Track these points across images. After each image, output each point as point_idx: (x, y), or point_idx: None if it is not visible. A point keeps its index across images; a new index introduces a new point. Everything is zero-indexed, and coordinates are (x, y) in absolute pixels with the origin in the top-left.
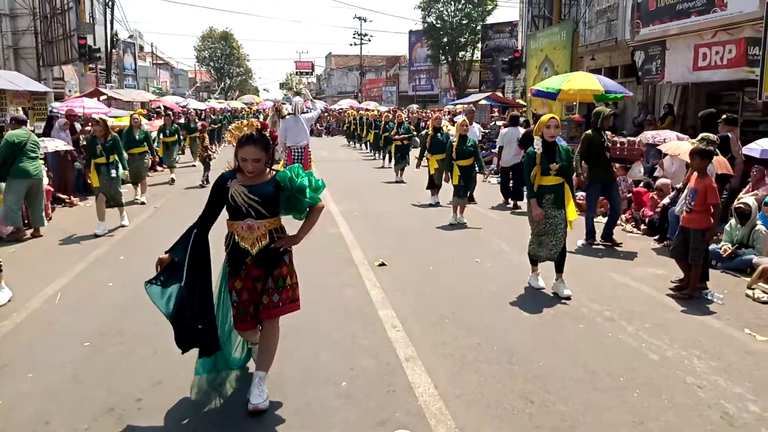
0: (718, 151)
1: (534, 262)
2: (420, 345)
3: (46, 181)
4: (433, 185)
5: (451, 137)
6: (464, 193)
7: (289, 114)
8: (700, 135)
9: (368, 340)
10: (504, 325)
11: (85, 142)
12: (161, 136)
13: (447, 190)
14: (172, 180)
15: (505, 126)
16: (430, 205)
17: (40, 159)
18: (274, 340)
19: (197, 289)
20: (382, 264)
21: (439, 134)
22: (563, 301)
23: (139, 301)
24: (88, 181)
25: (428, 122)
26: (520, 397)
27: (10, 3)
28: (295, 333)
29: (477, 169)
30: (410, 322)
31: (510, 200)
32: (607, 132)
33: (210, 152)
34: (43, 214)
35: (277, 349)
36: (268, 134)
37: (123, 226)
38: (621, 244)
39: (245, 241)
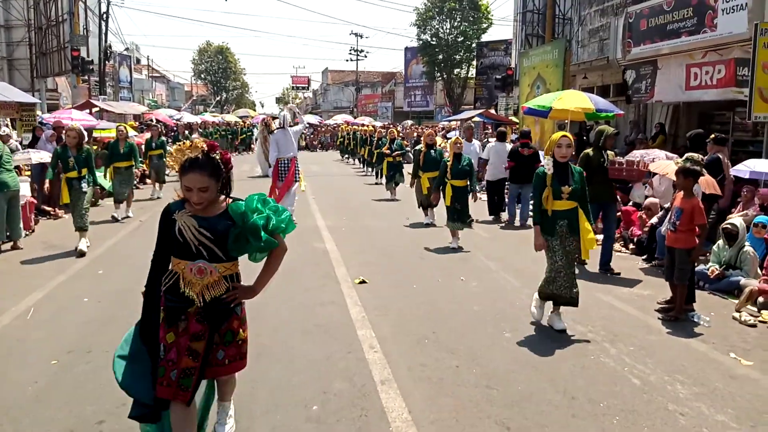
0: (705, 171)
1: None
2: (397, 367)
3: (28, 193)
4: (429, 204)
5: (445, 155)
6: (458, 218)
7: (277, 128)
8: (686, 155)
9: (344, 361)
10: (484, 347)
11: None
12: (147, 149)
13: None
14: (158, 197)
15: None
16: (427, 225)
17: (27, 171)
18: (232, 381)
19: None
20: (363, 281)
21: (432, 151)
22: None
23: (113, 318)
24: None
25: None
26: (496, 423)
27: (5, 14)
28: (269, 353)
29: (469, 190)
30: (389, 342)
31: (495, 216)
32: (608, 152)
33: None
34: (21, 225)
35: (243, 372)
36: (219, 156)
37: (79, 250)
38: (619, 273)
39: (192, 288)
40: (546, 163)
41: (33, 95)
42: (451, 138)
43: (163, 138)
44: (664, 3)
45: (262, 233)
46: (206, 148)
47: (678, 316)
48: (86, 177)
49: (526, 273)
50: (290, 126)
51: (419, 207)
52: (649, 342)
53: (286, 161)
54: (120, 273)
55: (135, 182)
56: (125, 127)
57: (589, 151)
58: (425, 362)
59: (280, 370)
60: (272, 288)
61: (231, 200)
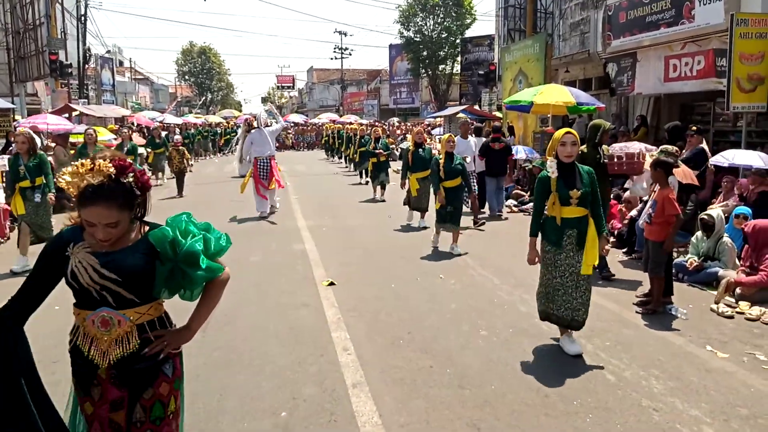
0: (680, 162)
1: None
2: (370, 369)
3: (2, 200)
4: (418, 207)
5: (435, 153)
6: (451, 219)
7: (255, 127)
8: (660, 147)
9: (316, 365)
10: (459, 346)
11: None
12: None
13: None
14: None
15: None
16: (422, 229)
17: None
18: None
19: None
20: (331, 283)
21: (421, 150)
22: (523, 319)
23: None
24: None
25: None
26: (467, 425)
27: None
28: (238, 359)
29: (466, 190)
30: (363, 344)
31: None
32: (603, 147)
33: (187, 164)
34: None
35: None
36: (133, 179)
37: None
38: (614, 275)
39: (95, 347)
40: (549, 165)
41: (12, 100)
42: (440, 136)
43: (134, 143)
44: None
45: (202, 259)
46: (115, 171)
47: (656, 309)
48: (41, 185)
49: (504, 269)
50: (266, 126)
51: (411, 209)
52: (626, 336)
53: (264, 160)
54: None
55: None
56: (95, 131)
57: (584, 147)
58: (399, 364)
59: (250, 376)
60: (246, 292)
61: (147, 227)
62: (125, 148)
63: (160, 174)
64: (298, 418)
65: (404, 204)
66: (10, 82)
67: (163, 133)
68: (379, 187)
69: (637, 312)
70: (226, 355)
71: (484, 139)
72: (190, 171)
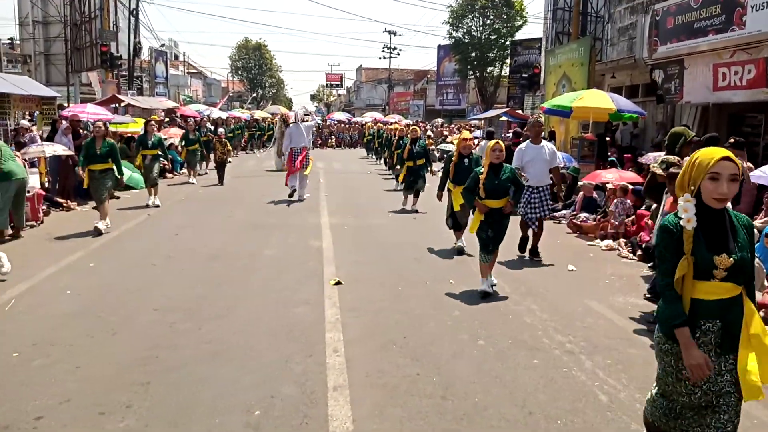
0: None
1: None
2: (355, 372)
3: (37, 184)
4: (458, 225)
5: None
6: (494, 246)
7: (293, 122)
8: (661, 158)
9: (302, 365)
10: (452, 354)
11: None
12: (139, 146)
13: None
14: (155, 205)
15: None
16: (459, 252)
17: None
18: None
19: None
20: (338, 283)
21: (466, 160)
22: (526, 330)
23: (86, 311)
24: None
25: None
26: None
27: (43, 11)
28: (225, 353)
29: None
30: (354, 346)
31: None
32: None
33: (228, 156)
34: (24, 214)
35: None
36: None
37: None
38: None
39: None
40: (682, 207)
41: (68, 89)
42: (479, 137)
43: (159, 135)
44: (692, 0)
45: None
46: None
47: None
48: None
49: (517, 277)
50: (302, 122)
51: (449, 227)
52: (629, 356)
53: (298, 150)
54: (109, 267)
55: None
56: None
57: (659, 163)
58: (385, 369)
59: (232, 371)
60: (251, 285)
61: None
62: (150, 141)
63: (192, 171)
64: (270, 418)
65: (450, 228)
66: (66, 72)
67: (207, 127)
68: (411, 196)
69: (651, 330)
70: (215, 347)
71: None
72: (230, 162)
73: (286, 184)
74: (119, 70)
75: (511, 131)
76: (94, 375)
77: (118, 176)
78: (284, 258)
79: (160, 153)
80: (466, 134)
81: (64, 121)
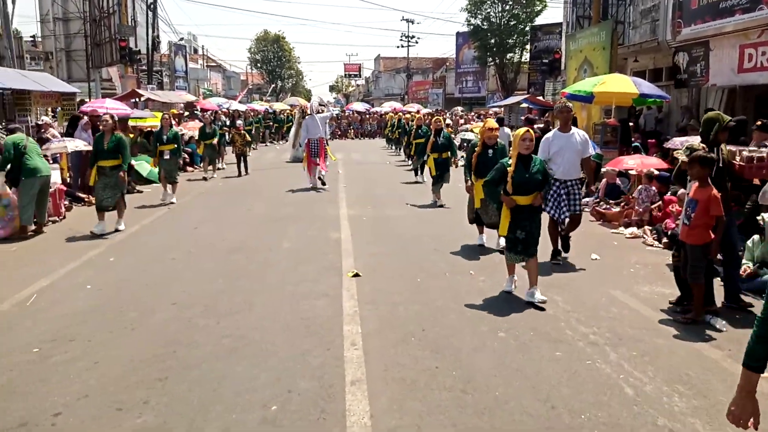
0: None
1: None
2: (373, 366)
3: (59, 180)
4: (479, 220)
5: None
6: (523, 249)
7: (309, 114)
8: (686, 144)
9: (320, 358)
10: (472, 347)
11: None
12: (156, 142)
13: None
14: (170, 203)
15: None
16: (480, 246)
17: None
18: None
19: None
20: (356, 275)
21: (490, 150)
22: (549, 322)
23: (105, 306)
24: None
25: (480, 131)
26: None
27: (64, 8)
28: (243, 349)
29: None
30: (372, 339)
31: None
32: (724, 146)
33: (248, 148)
34: (46, 211)
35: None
36: None
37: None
38: (752, 306)
39: None
40: None
41: (89, 85)
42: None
43: (175, 130)
44: None
45: None
46: None
47: (696, 318)
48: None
49: (543, 269)
50: (317, 113)
51: (471, 222)
52: (656, 347)
53: (315, 141)
54: (128, 262)
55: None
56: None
57: (684, 149)
58: (404, 362)
59: (250, 366)
60: (269, 278)
61: None
62: (165, 136)
63: (210, 167)
64: (287, 413)
65: (471, 223)
66: (87, 68)
67: (222, 120)
68: (441, 191)
69: (676, 320)
70: (232, 343)
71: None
72: (249, 155)
73: (308, 173)
74: (139, 65)
75: (523, 118)
76: (112, 371)
77: (120, 173)
78: (303, 250)
79: (176, 147)
80: (491, 123)
81: (84, 117)
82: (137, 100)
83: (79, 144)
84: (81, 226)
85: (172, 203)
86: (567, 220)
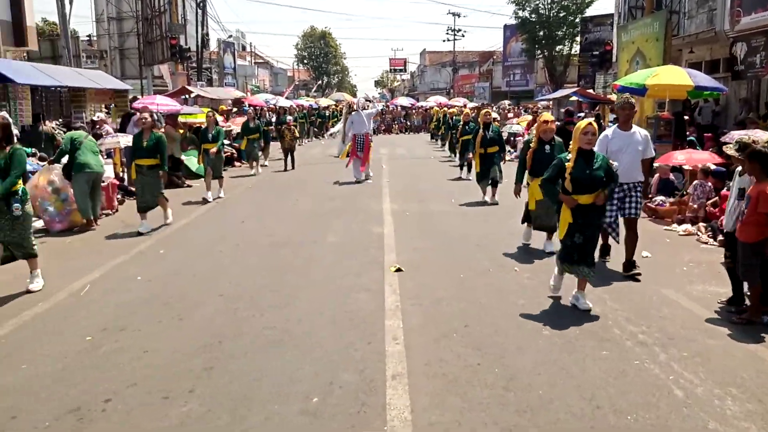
0: None
1: None
2: (414, 361)
3: (111, 174)
4: (541, 225)
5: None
6: (581, 258)
7: (354, 111)
8: (735, 139)
9: (361, 352)
10: (516, 345)
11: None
12: (202, 141)
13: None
14: (216, 198)
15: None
16: (550, 254)
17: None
18: None
19: None
20: (398, 270)
21: (547, 147)
22: (595, 320)
23: (155, 297)
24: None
25: (535, 126)
26: (501, 431)
27: (117, 7)
28: (287, 341)
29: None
30: (415, 334)
31: None
32: None
33: (295, 143)
34: (99, 206)
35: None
36: None
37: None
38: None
39: None
40: None
41: (141, 82)
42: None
43: (220, 128)
44: None
45: None
46: None
47: (752, 319)
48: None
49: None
50: (363, 109)
51: (528, 226)
52: (708, 347)
53: (361, 136)
54: (178, 254)
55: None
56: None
57: (734, 143)
58: (446, 358)
59: (293, 358)
60: (313, 272)
61: None
62: (210, 134)
63: (254, 163)
64: (328, 405)
65: (522, 222)
66: (139, 66)
67: (269, 117)
68: (489, 187)
69: (731, 321)
70: (277, 334)
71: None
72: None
73: (348, 164)
74: (188, 62)
75: (563, 110)
76: (160, 360)
77: (161, 172)
78: (346, 245)
79: (222, 144)
80: (546, 116)
81: (137, 113)
82: (187, 96)
83: (131, 140)
84: (133, 219)
85: (219, 197)
86: (620, 226)
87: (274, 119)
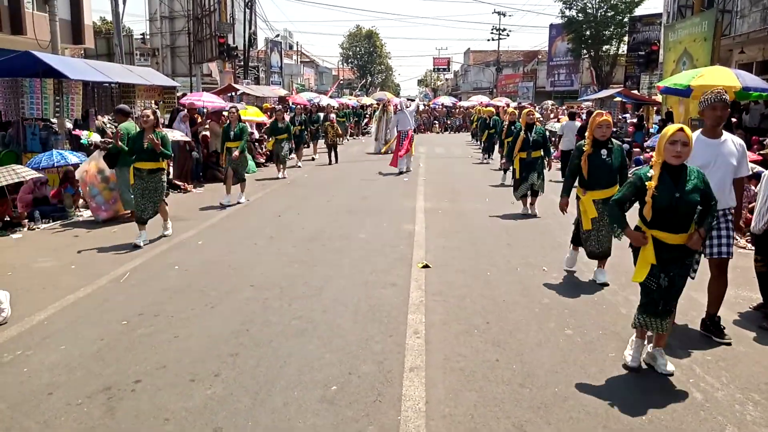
0: None
1: None
2: (433, 355)
3: None
4: (592, 250)
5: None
6: (666, 303)
7: (399, 110)
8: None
9: (382, 344)
10: (536, 342)
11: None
12: (224, 139)
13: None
14: (237, 202)
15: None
16: (603, 285)
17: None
18: None
19: None
20: (426, 266)
21: (604, 151)
22: (619, 322)
23: (190, 285)
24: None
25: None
26: (513, 426)
27: (170, 7)
28: (312, 331)
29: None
30: (436, 329)
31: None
32: None
33: (339, 139)
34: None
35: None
36: None
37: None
38: None
39: None
40: None
41: (191, 80)
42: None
43: (244, 124)
44: None
45: None
46: None
47: None
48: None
49: (619, 266)
50: (406, 108)
51: (572, 245)
52: (733, 353)
53: (404, 133)
54: (215, 245)
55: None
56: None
57: None
58: (464, 353)
59: (316, 348)
60: (343, 266)
61: None
62: (232, 132)
63: (281, 166)
64: (346, 394)
65: (572, 242)
66: (189, 63)
67: (303, 116)
68: (529, 195)
69: (761, 326)
70: (302, 324)
71: (562, 121)
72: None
73: (393, 165)
74: (236, 61)
75: (564, 107)
76: (189, 345)
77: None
78: (377, 241)
79: (245, 143)
80: (602, 115)
81: (183, 109)
82: (233, 94)
83: (177, 135)
84: (176, 211)
85: (239, 203)
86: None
87: (306, 118)
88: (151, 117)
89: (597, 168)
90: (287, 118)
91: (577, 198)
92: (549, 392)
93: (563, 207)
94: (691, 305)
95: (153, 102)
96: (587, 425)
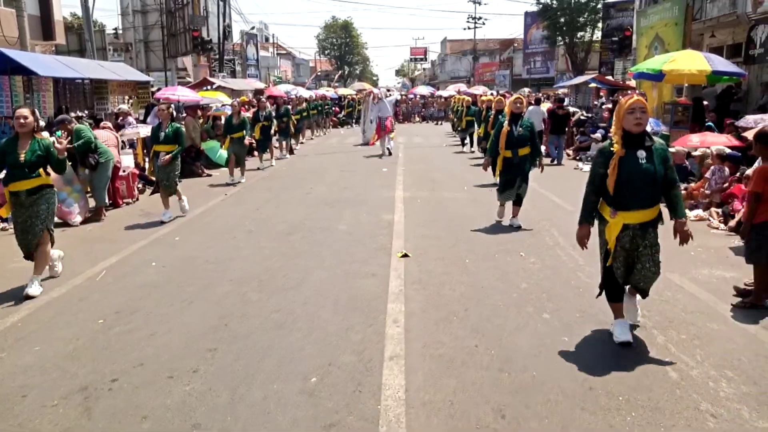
0: None
1: None
2: (412, 343)
3: (132, 164)
4: (616, 293)
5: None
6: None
7: (379, 99)
8: (750, 123)
9: (361, 334)
10: (514, 327)
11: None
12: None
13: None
14: (237, 182)
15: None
16: (623, 344)
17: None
18: None
19: None
20: (405, 255)
21: (641, 154)
22: (597, 305)
23: (168, 281)
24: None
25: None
26: (492, 410)
27: (142, 1)
28: (291, 323)
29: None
30: (415, 317)
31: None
32: None
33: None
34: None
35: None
36: None
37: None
38: None
39: None
40: None
41: (165, 74)
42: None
43: (181, 126)
44: None
45: None
46: None
47: (756, 303)
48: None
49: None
50: (385, 98)
51: (600, 288)
52: (708, 331)
53: (384, 119)
54: (193, 240)
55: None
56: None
57: None
58: (443, 340)
59: (295, 340)
60: (323, 258)
61: None
62: (162, 133)
63: (238, 168)
64: (325, 385)
65: (601, 291)
66: (163, 58)
67: (269, 110)
68: (511, 203)
69: (735, 305)
70: (282, 317)
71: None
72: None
73: (372, 144)
74: (212, 54)
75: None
76: (167, 341)
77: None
78: (356, 231)
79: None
80: (637, 98)
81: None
82: (208, 87)
83: (150, 130)
84: (152, 207)
85: (240, 182)
86: None
87: (273, 112)
88: (30, 118)
89: (632, 177)
90: (247, 113)
91: (601, 222)
92: (527, 376)
93: (583, 240)
94: (666, 285)
95: (126, 97)
96: (566, 407)
